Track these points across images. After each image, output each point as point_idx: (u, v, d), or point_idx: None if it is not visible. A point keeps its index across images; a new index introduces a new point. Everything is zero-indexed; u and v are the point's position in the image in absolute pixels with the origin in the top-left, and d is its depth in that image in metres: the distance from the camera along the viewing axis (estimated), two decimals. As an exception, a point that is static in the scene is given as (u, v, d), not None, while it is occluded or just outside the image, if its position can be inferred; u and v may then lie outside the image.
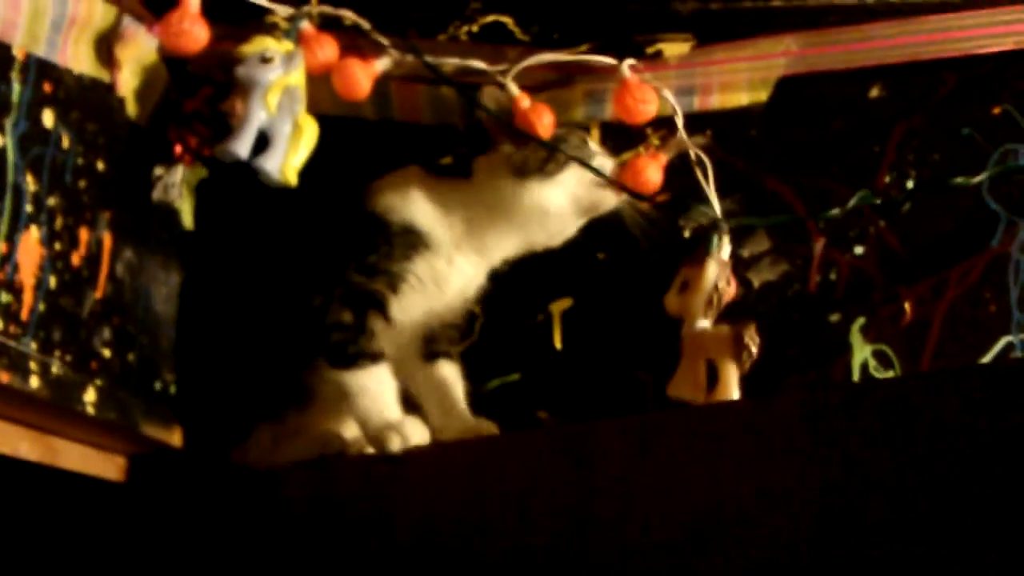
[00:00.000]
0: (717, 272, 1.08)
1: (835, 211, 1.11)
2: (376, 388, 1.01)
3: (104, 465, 1.03)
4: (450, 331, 1.11)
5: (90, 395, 0.90)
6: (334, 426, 1.08)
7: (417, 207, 1.07)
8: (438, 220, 1.07)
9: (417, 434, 0.98)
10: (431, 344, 1.10)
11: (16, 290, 0.80)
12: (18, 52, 0.81)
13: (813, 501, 0.82)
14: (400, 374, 1.04)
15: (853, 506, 0.80)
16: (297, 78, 1.02)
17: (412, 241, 1.05)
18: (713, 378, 1.06)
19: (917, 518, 0.78)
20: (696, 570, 0.84)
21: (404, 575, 0.93)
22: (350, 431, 1.06)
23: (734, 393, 1.04)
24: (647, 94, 1.08)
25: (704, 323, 1.08)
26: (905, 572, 0.78)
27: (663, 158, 1.12)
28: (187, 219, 1.16)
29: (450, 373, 1.10)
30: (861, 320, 1.19)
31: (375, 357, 1.02)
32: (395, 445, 0.97)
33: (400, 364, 1.06)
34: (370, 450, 1.03)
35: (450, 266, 1.07)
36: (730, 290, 1.11)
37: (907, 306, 1.18)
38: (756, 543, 0.83)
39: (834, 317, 1.20)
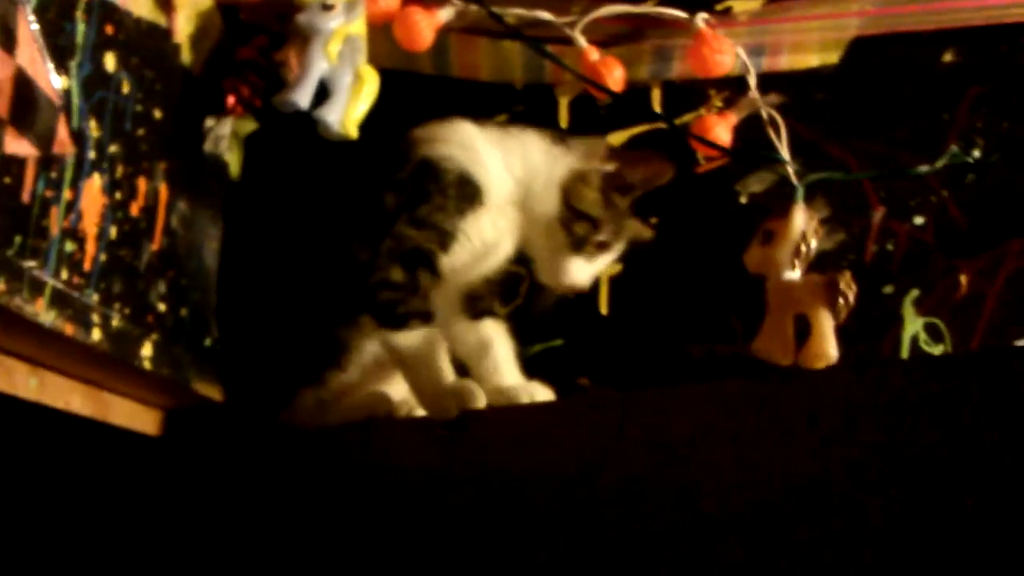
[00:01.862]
0: (804, 221, 1.02)
1: (924, 167, 1.06)
2: (429, 351, 0.97)
3: (146, 420, 1.01)
4: (493, 289, 1.07)
5: (147, 349, 0.88)
6: (381, 388, 1.05)
7: (479, 158, 1.02)
8: (498, 176, 1.02)
9: (474, 399, 0.96)
10: (475, 303, 1.06)
11: (80, 239, 0.77)
12: (82, -10, 0.77)
13: (891, 476, 0.80)
14: (445, 335, 1.01)
15: (934, 485, 0.79)
16: (358, 27, 0.98)
17: (468, 194, 1.01)
18: (802, 334, 1.00)
19: (1002, 495, 0.77)
20: (768, 543, 0.83)
21: (458, 540, 0.92)
22: (397, 392, 1.03)
23: (832, 345, 0.97)
24: (724, 44, 1.04)
25: (792, 274, 1.01)
26: (983, 551, 0.76)
27: (732, 118, 1.09)
28: (234, 171, 1.13)
29: (497, 332, 1.05)
30: (915, 292, 1.16)
31: (426, 317, 0.98)
32: (452, 411, 0.94)
33: (444, 325, 1.02)
34: (419, 412, 1.01)
35: (494, 228, 1.03)
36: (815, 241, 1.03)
37: (963, 279, 1.16)
38: (831, 518, 0.81)
39: (888, 289, 1.17)
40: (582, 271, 1.03)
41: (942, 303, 1.16)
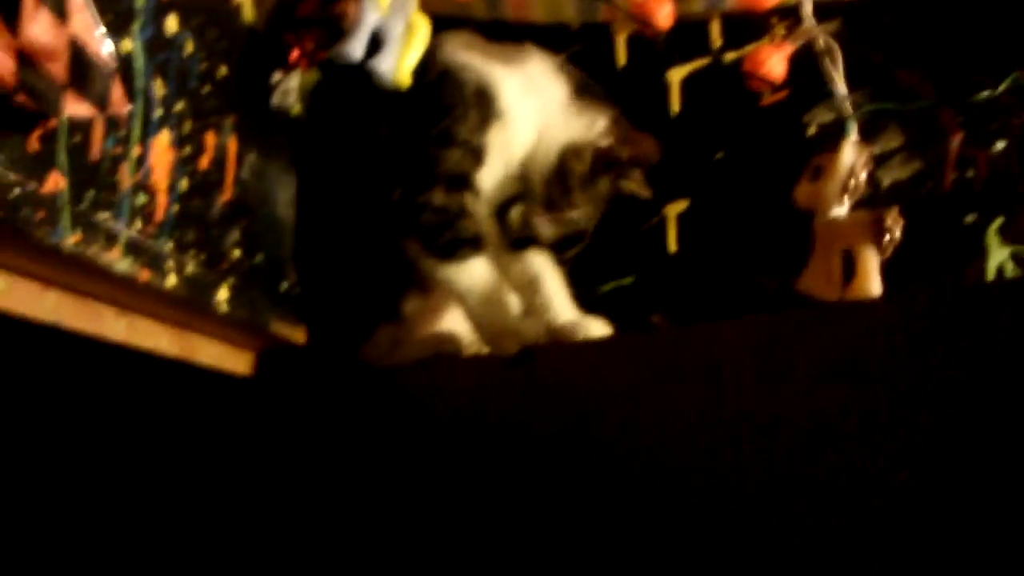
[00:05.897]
0: (854, 156, 0.99)
1: (985, 93, 1.02)
2: (484, 284, 0.96)
3: (235, 361, 1.07)
4: (525, 208, 1.05)
5: (223, 293, 0.94)
6: (448, 325, 1.08)
7: (495, 71, 1.02)
8: (516, 95, 1.02)
9: (529, 338, 0.97)
10: (513, 231, 1.04)
11: (151, 192, 0.83)
12: (141, -43, 0.82)
13: (947, 408, 0.79)
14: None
15: (990, 415, 0.77)
16: (410, -24, 1.01)
17: (485, 105, 0.99)
18: (849, 271, 1.00)
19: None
20: (819, 475, 0.83)
21: (517, 474, 0.94)
22: (464, 328, 1.05)
23: (875, 282, 0.97)
24: (773, -24, 1.01)
25: (840, 210, 1.00)
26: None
27: (788, 47, 1.06)
28: (301, 120, 1.17)
29: (542, 264, 1.01)
30: (999, 220, 1.12)
31: (476, 243, 0.97)
32: (514, 348, 0.95)
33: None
34: (486, 350, 1.04)
35: (520, 145, 1.02)
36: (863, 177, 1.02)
37: (1050, 205, 1.11)
38: (883, 450, 0.81)
39: (969, 218, 1.13)
40: (545, 230, 1.03)
41: (1030, 231, 1.12)
